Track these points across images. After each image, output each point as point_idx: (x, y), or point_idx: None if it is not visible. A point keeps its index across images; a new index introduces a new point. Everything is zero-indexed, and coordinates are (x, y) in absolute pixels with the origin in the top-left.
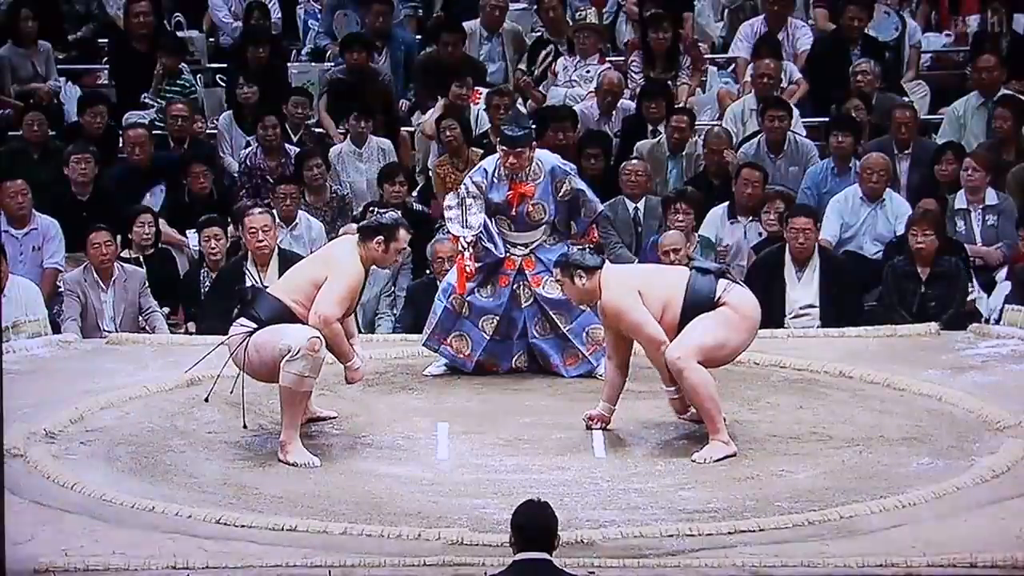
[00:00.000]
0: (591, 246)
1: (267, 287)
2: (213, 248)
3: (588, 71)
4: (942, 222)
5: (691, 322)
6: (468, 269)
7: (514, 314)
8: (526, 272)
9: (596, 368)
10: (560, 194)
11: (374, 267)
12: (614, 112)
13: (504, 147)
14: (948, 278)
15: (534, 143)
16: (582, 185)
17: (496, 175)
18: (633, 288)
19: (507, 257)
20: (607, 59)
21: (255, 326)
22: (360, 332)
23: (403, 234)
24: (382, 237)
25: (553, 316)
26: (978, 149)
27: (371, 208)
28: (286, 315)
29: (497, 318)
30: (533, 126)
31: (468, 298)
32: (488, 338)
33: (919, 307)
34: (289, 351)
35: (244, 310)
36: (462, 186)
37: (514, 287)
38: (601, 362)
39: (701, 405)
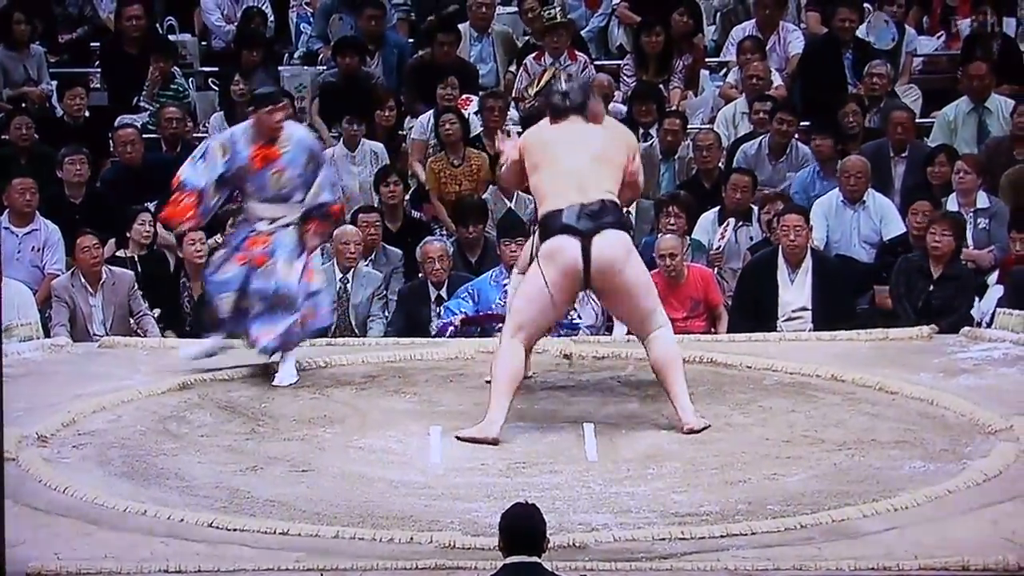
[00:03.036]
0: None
1: (601, 199)
2: (198, 252)
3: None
4: (962, 225)
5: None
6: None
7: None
8: (255, 250)
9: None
10: (308, 170)
11: (366, 270)
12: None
13: (266, 105)
14: (958, 283)
15: (288, 109)
16: (323, 170)
17: (245, 137)
18: None
19: (254, 234)
20: (597, 62)
21: None
22: (354, 334)
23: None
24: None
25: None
26: (988, 144)
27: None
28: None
29: (233, 295)
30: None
31: (210, 276)
32: (227, 316)
33: (924, 305)
34: (666, 324)
35: (599, 222)
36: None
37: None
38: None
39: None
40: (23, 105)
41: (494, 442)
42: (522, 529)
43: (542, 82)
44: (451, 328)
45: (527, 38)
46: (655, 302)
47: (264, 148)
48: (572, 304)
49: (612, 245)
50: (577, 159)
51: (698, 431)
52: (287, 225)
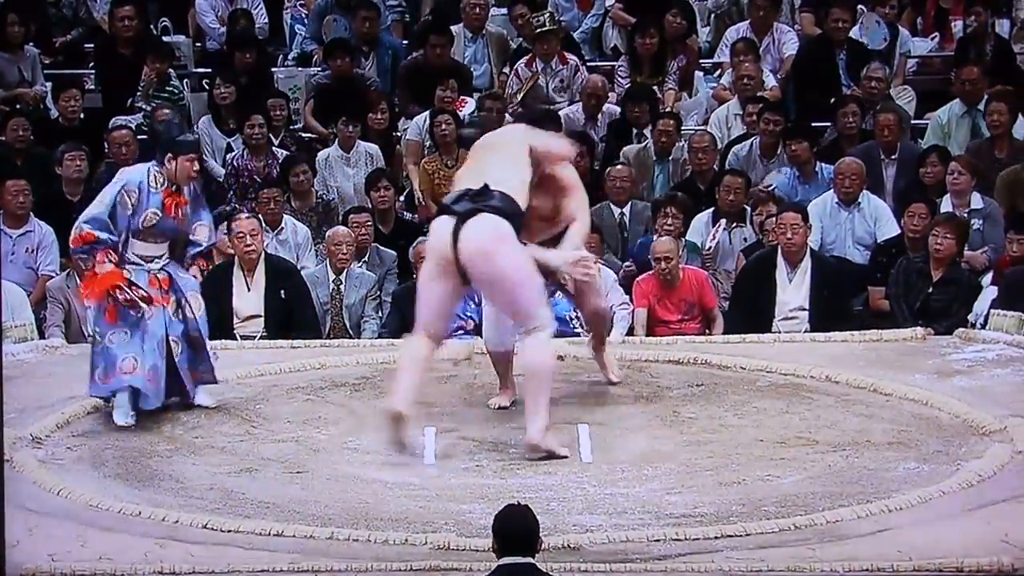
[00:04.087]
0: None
1: (485, 184)
2: None
3: (561, 80)
4: (966, 229)
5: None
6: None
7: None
8: (163, 290)
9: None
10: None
11: (359, 271)
12: (599, 116)
13: (190, 152)
14: (957, 287)
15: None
16: (207, 213)
17: (152, 185)
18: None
19: (149, 273)
20: (591, 63)
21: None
22: (348, 336)
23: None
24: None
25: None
26: (969, 148)
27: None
28: (518, 211)
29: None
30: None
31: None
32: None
33: (922, 307)
34: (545, 324)
35: (478, 203)
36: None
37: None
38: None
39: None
40: (17, 107)
41: (396, 416)
42: (515, 530)
43: (527, 87)
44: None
45: (521, 40)
46: (534, 300)
47: (175, 195)
48: (458, 285)
49: (481, 228)
50: (483, 158)
51: (542, 449)
52: (169, 259)
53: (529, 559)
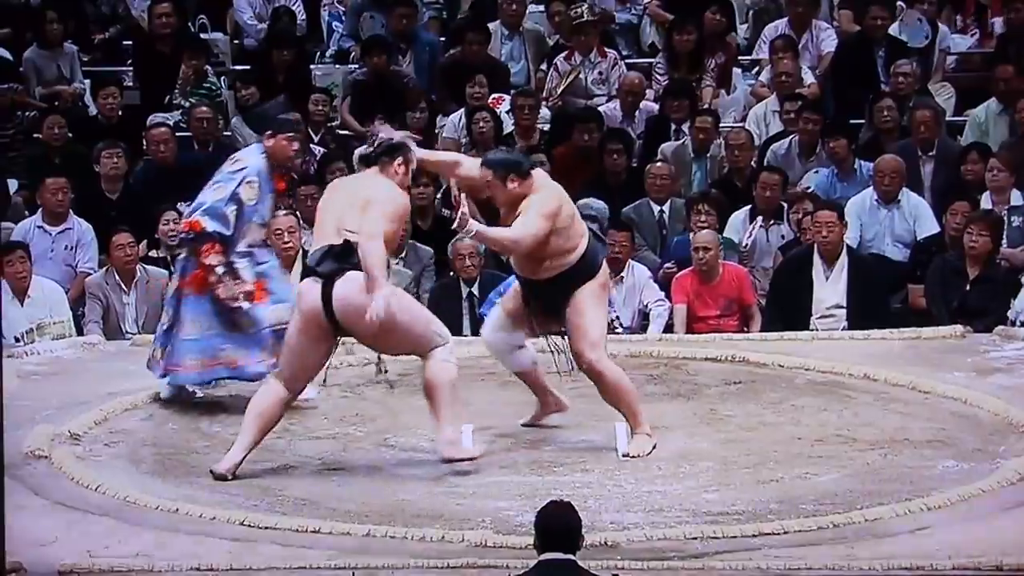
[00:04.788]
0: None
1: (345, 240)
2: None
3: (600, 73)
4: (1000, 226)
5: (583, 311)
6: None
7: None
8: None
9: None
10: None
11: (395, 268)
12: (637, 113)
13: (290, 132)
14: (994, 285)
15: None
16: None
17: (266, 171)
18: (561, 200)
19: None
20: (629, 60)
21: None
22: None
23: (413, 153)
24: (401, 157)
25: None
26: (1003, 145)
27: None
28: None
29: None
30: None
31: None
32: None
33: (960, 306)
34: (442, 341)
35: (343, 263)
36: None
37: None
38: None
39: (624, 400)
40: (55, 104)
41: (220, 477)
42: (557, 527)
43: (567, 81)
44: None
45: (557, 37)
46: (423, 333)
47: (283, 176)
48: (331, 346)
49: (350, 290)
50: (341, 203)
51: (455, 460)
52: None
53: (570, 556)
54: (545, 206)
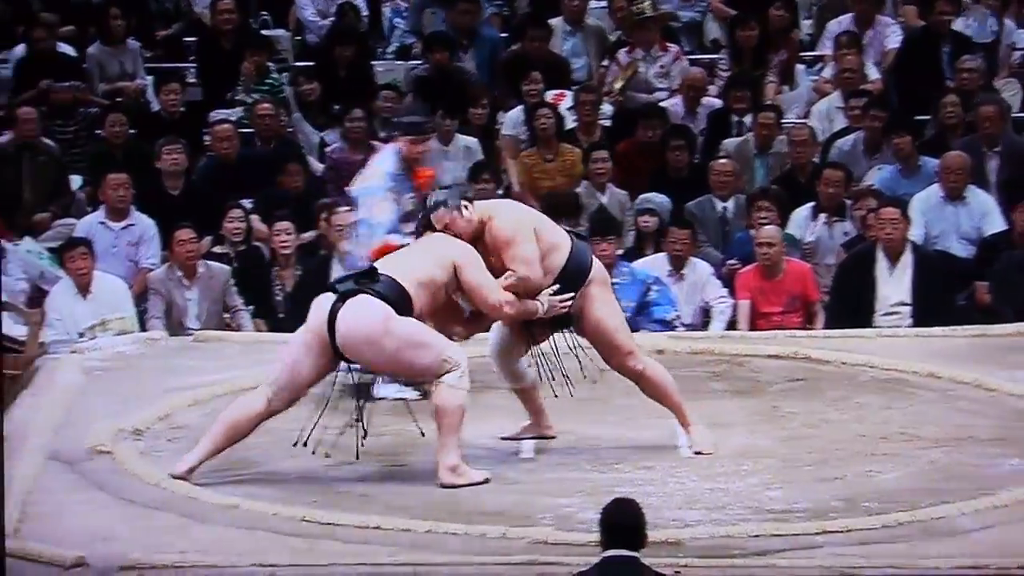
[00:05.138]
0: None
1: (376, 266)
2: (284, 243)
3: (661, 67)
4: None
5: (605, 316)
6: None
7: None
8: None
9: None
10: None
11: None
12: (699, 109)
13: (417, 135)
14: None
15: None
16: None
17: (399, 171)
18: (529, 223)
19: None
20: (692, 56)
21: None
22: None
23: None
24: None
25: None
26: None
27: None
28: (403, 296)
29: None
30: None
31: None
32: None
33: None
34: (453, 367)
35: (362, 285)
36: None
37: None
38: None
39: (669, 399)
40: (118, 100)
41: (178, 478)
42: (621, 523)
43: (626, 77)
44: None
45: (619, 33)
46: (428, 359)
47: (421, 171)
48: (327, 366)
49: (357, 312)
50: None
51: (449, 487)
52: None
53: (633, 554)
54: (519, 233)
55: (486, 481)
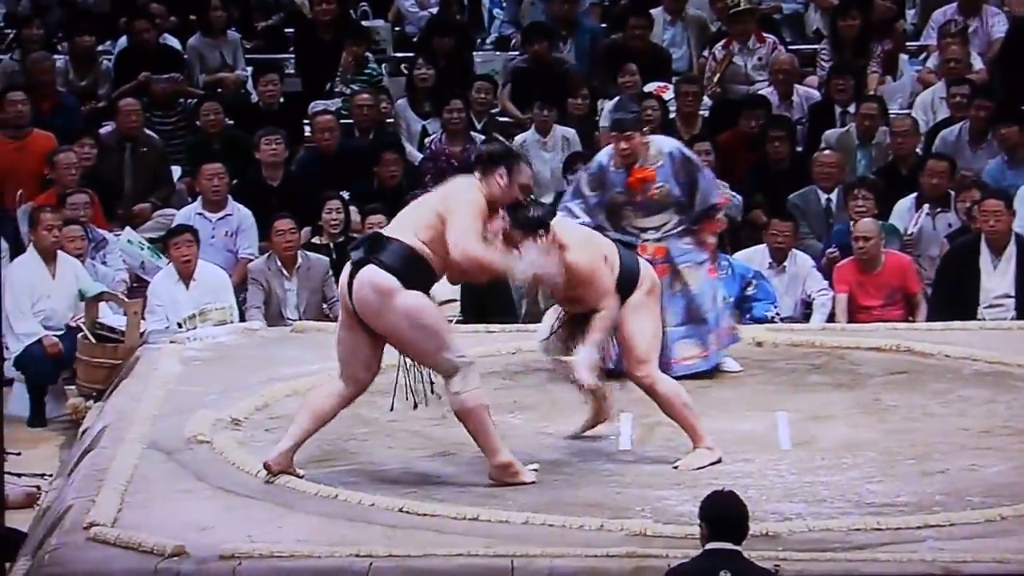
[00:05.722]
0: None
1: (381, 231)
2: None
3: (759, 58)
4: None
5: (633, 322)
6: None
7: None
8: (655, 260)
9: (717, 363)
10: (681, 177)
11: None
12: (794, 97)
13: (614, 131)
14: None
15: (644, 128)
16: (700, 173)
17: (612, 165)
18: (598, 251)
19: (641, 243)
20: (793, 47)
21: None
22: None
23: (525, 167)
24: (504, 168)
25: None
26: None
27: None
28: (415, 260)
29: None
30: (637, 111)
31: None
32: None
33: None
34: (453, 369)
35: (370, 255)
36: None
37: None
38: (719, 359)
39: (679, 415)
40: (218, 91)
41: (266, 467)
42: (726, 515)
43: (722, 69)
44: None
45: (719, 23)
46: (430, 349)
47: (639, 171)
48: (374, 339)
49: (363, 283)
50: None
51: (506, 484)
52: (674, 230)
53: (735, 546)
54: (596, 266)
55: (533, 482)
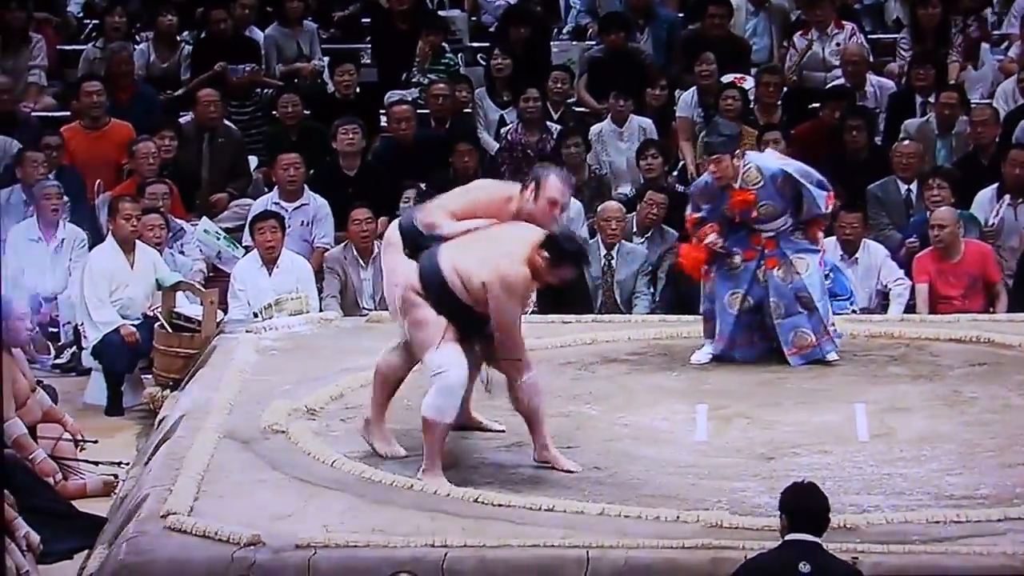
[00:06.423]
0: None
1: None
2: None
3: (838, 44)
4: None
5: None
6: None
7: (755, 291)
8: (766, 252)
9: (827, 354)
10: (787, 191)
11: (631, 247)
12: (867, 87)
13: (705, 155)
14: None
15: (737, 151)
16: (805, 188)
17: (712, 184)
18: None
19: (754, 235)
20: (873, 36)
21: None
22: (619, 311)
23: (553, 181)
24: (533, 184)
25: (772, 303)
26: None
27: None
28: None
29: (740, 293)
30: (728, 133)
31: (712, 274)
32: (735, 314)
33: None
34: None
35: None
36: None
37: (757, 266)
38: (831, 349)
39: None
40: (295, 81)
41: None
42: (808, 507)
43: (800, 59)
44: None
45: (799, 12)
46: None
47: (738, 193)
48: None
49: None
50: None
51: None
52: (786, 229)
53: (817, 539)
54: None
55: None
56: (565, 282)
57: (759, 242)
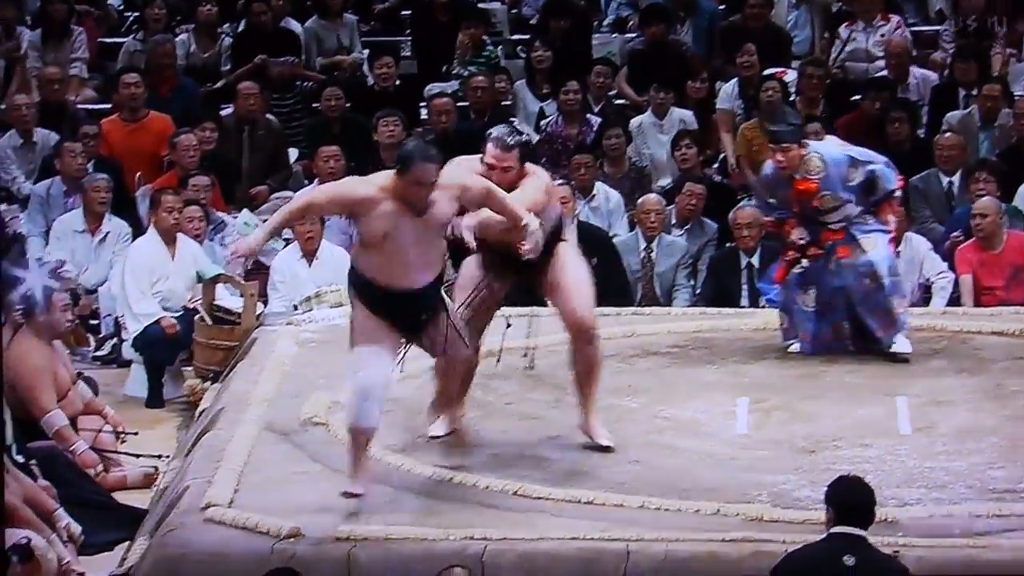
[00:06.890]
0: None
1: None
2: None
3: (882, 35)
4: None
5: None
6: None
7: (827, 282)
8: (837, 242)
9: (890, 344)
10: (849, 182)
11: (671, 239)
12: (910, 79)
13: (771, 145)
14: None
15: (802, 140)
16: (872, 166)
17: (776, 174)
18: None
19: (824, 231)
20: (916, 27)
21: None
22: (659, 304)
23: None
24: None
25: (851, 286)
26: None
27: None
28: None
29: (814, 288)
30: (796, 123)
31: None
32: (812, 311)
33: None
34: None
35: None
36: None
37: (827, 259)
38: (897, 338)
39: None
40: (335, 73)
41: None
42: (854, 500)
43: (843, 50)
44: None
45: (841, 4)
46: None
47: (800, 183)
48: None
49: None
50: None
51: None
52: (855, 217)
53: (862, 532)
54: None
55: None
56: (425, 187)
57: (829, 237)
